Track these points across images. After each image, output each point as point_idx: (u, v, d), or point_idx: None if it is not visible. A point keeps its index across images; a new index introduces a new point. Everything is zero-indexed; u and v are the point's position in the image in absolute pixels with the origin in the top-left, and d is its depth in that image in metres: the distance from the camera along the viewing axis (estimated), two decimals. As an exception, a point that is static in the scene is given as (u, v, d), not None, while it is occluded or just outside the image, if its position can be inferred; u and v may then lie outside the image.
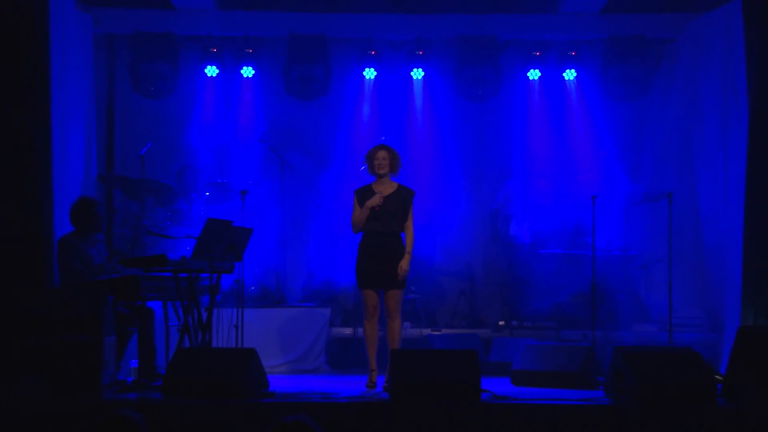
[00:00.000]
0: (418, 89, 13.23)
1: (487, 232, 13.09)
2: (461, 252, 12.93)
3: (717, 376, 8.43)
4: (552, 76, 13.19)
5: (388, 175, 9.14)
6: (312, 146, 13.03)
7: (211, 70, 13.02)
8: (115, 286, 8.94)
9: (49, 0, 9.14)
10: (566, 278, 12.01)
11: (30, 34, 8.79)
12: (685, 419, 7.56)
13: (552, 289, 12.13)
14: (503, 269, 12.85)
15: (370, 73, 13.14)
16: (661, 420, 7.56)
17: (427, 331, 11.71)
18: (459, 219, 13.00)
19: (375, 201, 8.99)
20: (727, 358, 8.57)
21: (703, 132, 11.91)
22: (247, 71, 13.08)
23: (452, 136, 13.16)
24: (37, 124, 8.81)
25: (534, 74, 13.16)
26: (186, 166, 12.46)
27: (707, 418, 7.60)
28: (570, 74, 13.12)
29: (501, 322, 12.22)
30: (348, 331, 11.64)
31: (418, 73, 13.15)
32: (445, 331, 11.90)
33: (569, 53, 13.05)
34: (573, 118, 13.14)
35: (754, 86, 9.12)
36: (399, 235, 9.12)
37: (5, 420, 7.53)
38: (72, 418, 7.36)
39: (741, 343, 8.20)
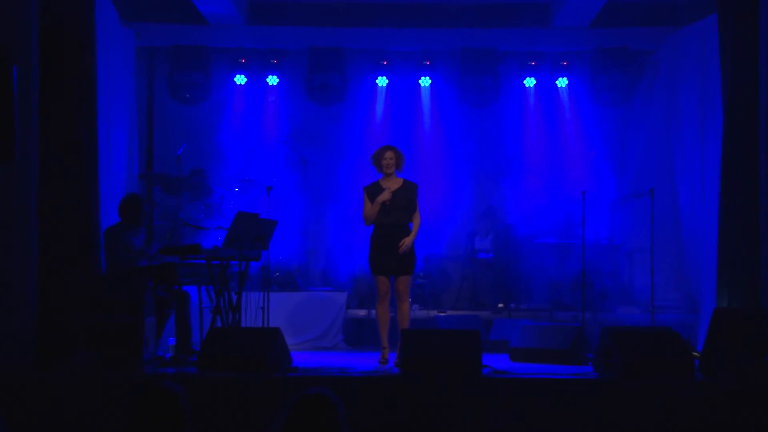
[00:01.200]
0: (425, 96, 13.20)
1: (488, 226, 13.07)
2: (464, 242, 12.91)
3: (694, 354, 8.44)
4: (546, 84, 13.16)
5: (394, 172, 9.16)
6: (330, 146, 13.00)
7: (240, 79, 13.04)
8: (155, 272, 9.04)
9: (95, 17, 9.15)
10: (559, 265, 12.03)
11: (78, 47, 8.79)
12: (665, 392, 7.59)
13: (546, 275, 12.16)
14: (502, 257, 12.84)
15: (382, 81, 13.13)
16: (644, 393, 7.58)
17: (433, 313, 11.70)
18: (462, 212, 12.98)
19: (385, 196, 9.00)
20: (703, 337, 8.58)
21: (682, 134, 11.88)
22: (272, 80, 13.08)
23: (456, 138, 13.14)
24: (84, 129, 8.82)
25: (529, 82, 13.14)
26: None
27: (685, 391, 7.65)
28: (562, 82, 13.10)
29: (500, 305, 12.20)
30: (362, 312, 11.66)
31: (425, 81, 13.14)
32: (449, 312, 11.88)
33: (561, 63, 13.03)
34: (564, 121, 13.11)
35: (728, 94, 9.10)
36: (407, 226, 9.10)
37: (59, 389, 7.60)
38: (117, 389, 7.40)
39: (716, 323, 8.18)
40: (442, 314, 11.68)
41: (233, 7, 11.63)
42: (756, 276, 8.73)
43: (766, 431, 7.36)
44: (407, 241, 9.00)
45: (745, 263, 8.87)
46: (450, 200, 12.89)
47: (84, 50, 8.87)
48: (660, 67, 12.70)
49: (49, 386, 7.64)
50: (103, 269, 9.19)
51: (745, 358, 7.92)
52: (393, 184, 9.10)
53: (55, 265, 8.52)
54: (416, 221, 9.12)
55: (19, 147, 7.65)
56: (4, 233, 8.24)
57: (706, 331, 8.38)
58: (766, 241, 8.59)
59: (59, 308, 8.32)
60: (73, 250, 8.66)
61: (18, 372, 7.83)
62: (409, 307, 9.42)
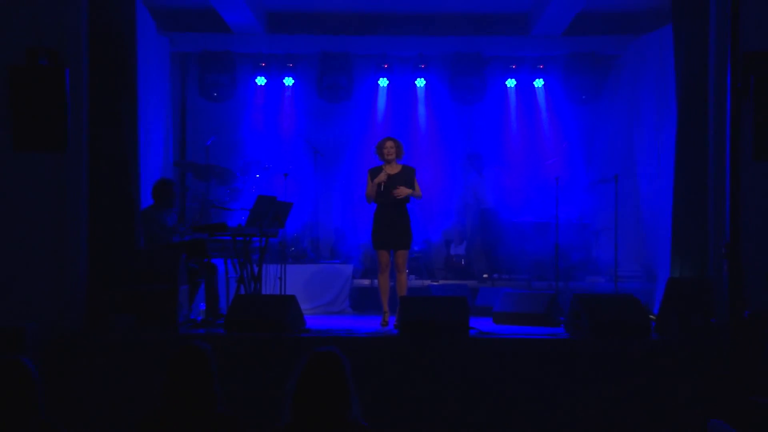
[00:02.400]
0: (421, 95, 13.15)
1: (475, 207, 13.09)
2: (455, 222, 12.92)
3: (651, 316, 8.47)
4: (525, 84, 13.11)
5: (394, 159, 9.20)
6: (338, 138, 12.96)
7: (261, 80, 13.00)
8: (188, 247, 9.06)
9: (136, 27, 9.15)
10: (536, 241, 12.03)
11: (121, 53, 8.78)
12: (626, 349, 7.65)
13: (524, 249, 12.15)
14: (487, 234, 12.86)
15: (383, 82, 13.09)
16: (608, 349, 7.64)
17: (427, 282, 11.69)
18: (453, 196, 12.97)
19: (381, 178, 9.06)
20: (659, 302, 8.60)
21: (642, 128, 11.88)
22: (288, 81, 13.03)
23: (447, 131, 13.10)
24: (126, 123, 8.82)
25: (511, 83, 13.09)
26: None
27: (643, 348, 7.71)
28: (539, 83, 13.05)
29: (485, 275, 12.16)
30: (366, 282, 11.65)
31: (420, 82, 13.08)
32: (441, 282, 11.86)
33: (538, 66, 12.97)
34: (541, 117, 13.05)
35: (681, 92, 9.07)
36: (405, 206, 9.14)
37: (106, 348, 7.67)
38: (155, 347, 7.42)
39: (670, 290, 8.25)
40: (435, 283, 11.67)
41: (254, 18, 11.62)
42: (704, 250, 8.72)
43: (712, 381, 7.44)
44: (403, 191, 9.04)
45: (694, 239, 8.86)
46: (442, 185, 12.88)
47: (126, 55, 8.86)
48: (623, 70, 12.69)
49: (98, 345, 7.71)
50: (142, 244, 9.24)
51: (694, 321, 7.98)
52: (393, 169, 9.15)
53: (101, 242, 8.54)
54: (417, 192, 9.16)
55: (71, 138, 7.68)
56: (58, 214, 8.26)
57: (661, 297, 8.43)
58: (712, 220, 8.61)
59: (105, 279, 8.36)
60: (116, 228, 8.66)
61: (72, 333, 7.89)
62: (407, 277, 9.45)
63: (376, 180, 9.06)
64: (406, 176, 9.14)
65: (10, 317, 7.80)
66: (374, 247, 9.28)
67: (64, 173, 8.22)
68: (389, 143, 9.17)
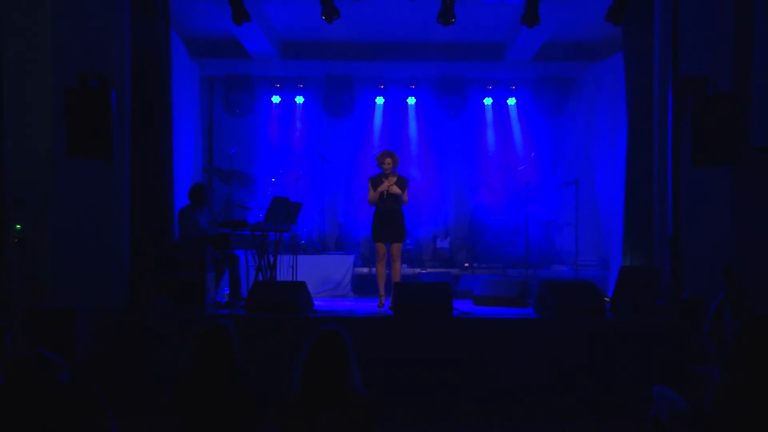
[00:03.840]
0: (411, 111, 13.12)
1: (457, 207, 13.12)
2: (441, 219, 12.93)
3: (606, 299, 8.50)
4: (500, 102, 13.09)
5: (391, 170, 9.22)
6: (341, 147, 12.98)
7: (276, 99, 12.99)
8: (213, 240, 9.02)
9: (171, 54, 9.16)
10: (509, 235, 12.05)
11: (159, 76, 8.79)
12: (585, 326, 7.65)
13: (500, 242, 12.18)
14: (467, 229, 12.89)
15: (380, 100, 13.06)
16: (569, 327, 7.65)
17: (417, 270, 11.71)
18: (439, 198, 12.98)
19: (384, 187, 9.06)
20: (612, 287, 8.63)
21: (599, 139, 11.89)
22: (299, 99, 13.02)
23: (434, 141, 13.10)
24: (162, 135, 8.83)
25: (488, 101, 13.07)
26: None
27: (599, 325, 7.69)
28: (512, 101, 13.04)
29: (466, 264, 12.17)
30: (365, 270, 11.66)
31: (411, 100, 13.07)
32: (429, 270, 11.88)
33: (511, 87, 12.96)
34: (513, 130, 13.01)
35: (631, 110, 9.08)
36: (400, 208, 9.13)
37: (145, 325, 7.68)
38: (186, 324, 7.42)
39: (621, 277, 8.23)
40: (423, 271, 11.69)
41: (270, 46, 11.63)
42: (650, 243, 8.73)
43: (657, 354, 7.46)
44: (396, 189, 9.02)
45: (642, 233, 8.87)
46: (430, 188, 12.89)
47: (163, 78, 8.87)
48: (583, 90, 12.68)
49: (138, 323, 7.73)
50: (176, 238, 9.25)
51: (642, 302, 7.98)
52: (390, 178, 9.14)
53: (141, 236, 8.56)
54: (404, 197, 9.12)
55: (116, 148, 7.71)
56: (104, 212, 8.28)
57: (614, 283, 8.41)
58: (657, 218, 8.63)
59: (144, 267, 8.37)
60: (153, 224, 8.68)
61: (116, 313, 7.90)
62: (400, 266, 9.44)
63: (380, 188, 9.07)
64: (400, 184, 9.15)
65: (64, 300, 7.83)
66: (374, 241, 9.26)
67: (110, 177, 8.24)
68: (388, 159, 9.17)
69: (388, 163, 9.15)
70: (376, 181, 9.17)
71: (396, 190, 9.06)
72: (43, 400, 3.72)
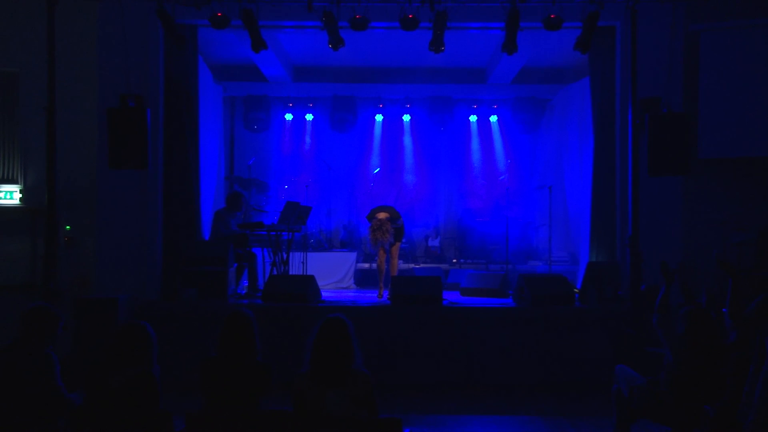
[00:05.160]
0: (407, 126, 13.07)
1: (446, 210, 13.13)
2: (432, 222, 12.95)
3: (575, 290, 8.54)
4: (483, 119, 13.03)
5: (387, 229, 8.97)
6: (345, 159, 12.98)
7: (288, 116, 12.94)
8: (234, 239, 9.04)
9: (198, 78, 9.20)
10: (491, 235, 12.06)
11: (187, 97, 8.85)
12: (557, 314, 7.69)
13: (483, 241, 12.20)
14: (455, 230, 12.92)
15: (379, 117, 13.02)
16: (544, 314, 7.69)
17: (412, 266, 11.68)
18: (431, 203, 12.95)
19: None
20: (580, 280, 8.65)
21: (569, 151, 11.83)
22: (309, 116, 12.98)
23: (427, 153, 13.06)
24: (191, 148, 8.88)
25: (473, 118, 13.02)
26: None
27: (569, 313, 7.73)
28: (494, 118, 12.98)
29: (454, 260, 12.15)
30: (366, 265, 11.58)
31: (407, 117, 13.02)
32: (422, 265, 11.86)
33: (493, 106, 12.91)
34: (495, 143, 13.03)
35: (596, 126, 9.10)
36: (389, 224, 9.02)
37: (176, 312, 7.72)
38: (211, 312, 7.50)
39: (588, 271, 8.25)
40: (417, 266, 11.66)
41: (284, 71, 11.65)
42: (613, 241, 8.76)
43: (619, 337, 7.45)
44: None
45: (606, 233, 8.89)
46: (424, 194, 12.89)
47: (191, 99, 8.91)
48: (555, 109, 12.63)
49: (170, 310, 7.76)
50: (206, 236, 9.28)
51: (606, 293, 8.02)
52: (382, 236, 8.93)
53: (172, 235, 8.61)
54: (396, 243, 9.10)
55: (150, 160, 7.76)
56: (141, 215, 8.33)
57: (582, 276, 8.43)
58: (618, 219, 8.64)
59: (175, 262, 8.42)
60: (183, 225, 8.72)
61: (151, 302, 7.95)
62: (397, 262, 9.45)
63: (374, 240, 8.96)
64: (398, 234, 9.10)
65: (107, 291, 7.88)
66: (372, 247, 9.16)
67: (145, 185, 8.30)
68: (381, 213, 9.05)
69: (382, 219, 8.94)
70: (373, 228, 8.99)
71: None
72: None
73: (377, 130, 13.15)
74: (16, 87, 8.16)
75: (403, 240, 11.53)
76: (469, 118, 13.10)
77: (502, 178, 12.43)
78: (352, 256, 11.43)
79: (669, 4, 7.89)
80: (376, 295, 9.21)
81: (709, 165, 8.94)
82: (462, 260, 12.12)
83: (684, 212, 8.52)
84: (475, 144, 13.16)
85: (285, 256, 9.34)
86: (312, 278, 8.24)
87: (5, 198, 8.22)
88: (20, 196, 8.67)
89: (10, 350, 4.24)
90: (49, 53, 6.89)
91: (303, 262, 10.05)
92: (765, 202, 8.79)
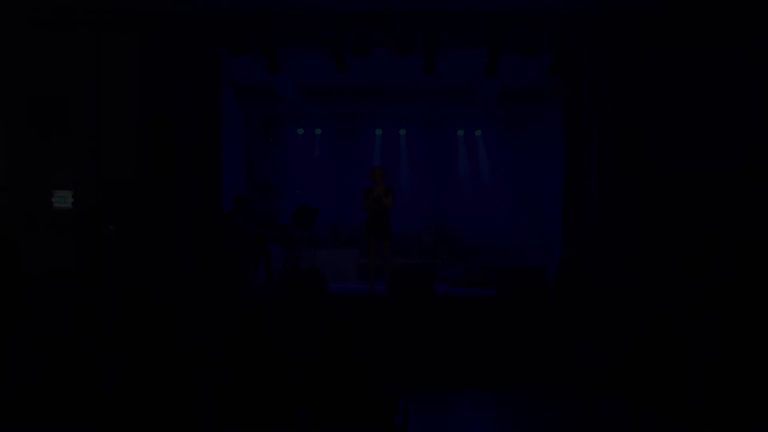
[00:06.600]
0: (403, 140, 13.07)
1: (438, 212, 13.15)
2: (425, 222, 12.96)
3: (549, 282, 8.54)
4: (470, 134, 13.00)
5: (381, 181, 8.99)
6: (349, 168, 12.95)
7: (300, 131, 12.93)
8: (252, 239, 9.08)
9: (221, 99, 9.24)
10: (477, 234, 12.08)
11: (212, 116, 8.88)
12: (533, 305, 7.71)
13: (470, 239, 12.22)
14: (446, 229, 12.94)
15: (379, 132, 13.02)
16: (522, 304, 7.71)
17: (407, 261, 11.65)
18: (424, 206, 12.89)
19: (373, 195, 8.88)
20: (554, 274, 8.69)
21: (544, 161, 11.78)
22: (318, 131, 12.97)
23: (421, 163, 13.02)
24: (216, 160, 8.90)
25: (461, 132, 13.00)
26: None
27: (544, 304, 7.76)
28: (479, 133, 12.97)
29: (445, 256, 12.09)
30: (364, 260, 11.61)
31: (403, 132, 13.00)
32: (416, 260, 11.84)
33: (478, 122, 12.98)
34: (480, 155, 13.04)
35: (567, 140, 9.05)
36: (387, 213, 8.91)
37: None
38: (230, 298, 7.54)
39: (561, 266, 8.26)
40: (412, 261, 11.66)
41: (296, 92, 11.66)
42: (582, 239, 8.82)
43: (587, 322, 7.50)
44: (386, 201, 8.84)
45: (576, 232, 8.93)
46: (415, 200, 12.86)
47: (215, 118, 8.94)
48: (532, 126, 12.62)
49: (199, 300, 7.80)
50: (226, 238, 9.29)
51: (576, 285, 8.04)
52: (379, 188, 8.92)
53: (200, 236, 8.64)
54: (389, 202, 8.85)
55: (178, 170, 7.79)
56: (174, 219, 8.37)
57: (555, 271, 8.51)
58: (587, 221, 8.65)
59: (203, 258, 8.48)
60: (209, 228, 8.75)
61: (181, 293, 7.98)
62: (390, 257, 9.15)
63: (373, 195, 8.88)
64: (387, 192, 9.02)
65: (144, 283, 7.90)
66: (366, 236, 8.94)
67: (176, 193, 8.32)
68: (378, 172, 9.01)
69: (379, 175, 8.93)
70: (370, 193, 8.95)
71: (387, 201, 8.87)
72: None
73: (377, 143, 13.13)
74: (68, 108, 8.28)
75: (401, 238, 11.52)
76: (457, 132, 13.06)
77: (486, 184, 12.41)
78: (355, 252, 11.42)
79: (629, 34, 7.92)
80: (377, 287, 9.01)
81: (663, 175, 8.94)
82: (451, 256, 12.09)
83: (642, 214, 8.53)
84: (462, 155, 13.14)
85: (296, 252, 9.33)
86: (320, 272, 8.23)
87: (60, 202, 8.34)
88: (72, 200, 8.76)
89: None
90: (96, 80, 6.94)
91: (312, 258, 10.05)
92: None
